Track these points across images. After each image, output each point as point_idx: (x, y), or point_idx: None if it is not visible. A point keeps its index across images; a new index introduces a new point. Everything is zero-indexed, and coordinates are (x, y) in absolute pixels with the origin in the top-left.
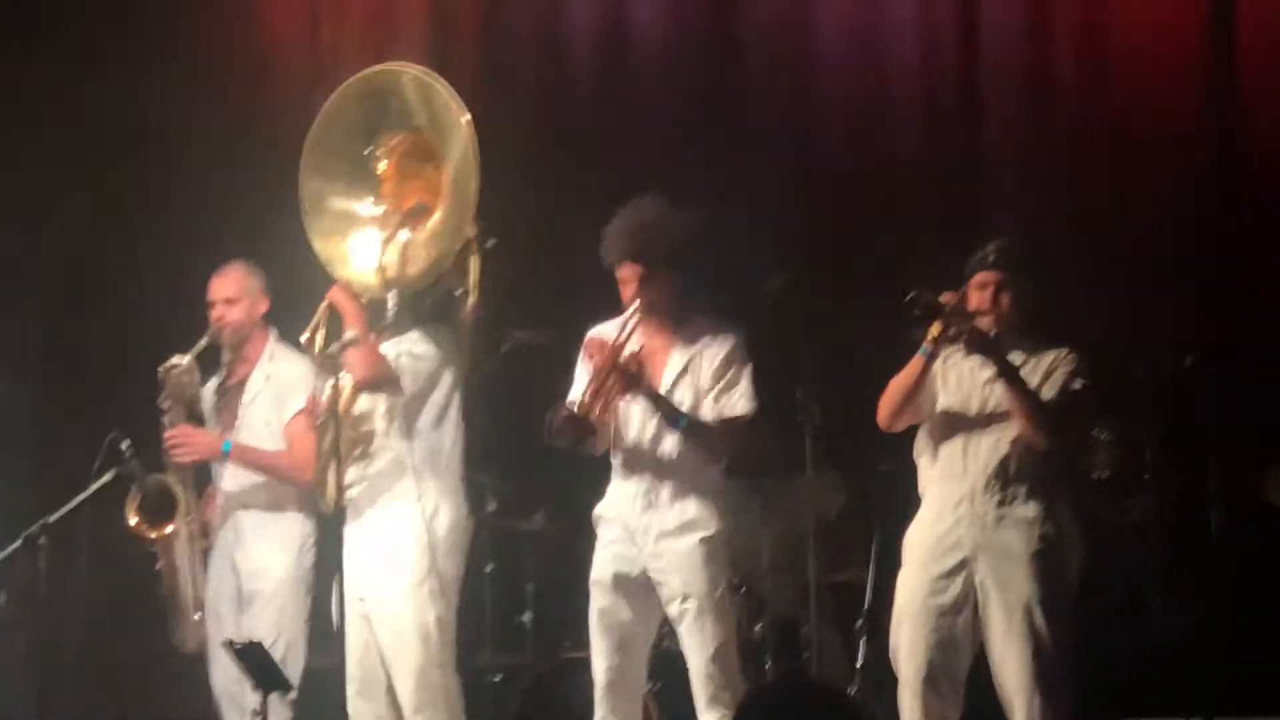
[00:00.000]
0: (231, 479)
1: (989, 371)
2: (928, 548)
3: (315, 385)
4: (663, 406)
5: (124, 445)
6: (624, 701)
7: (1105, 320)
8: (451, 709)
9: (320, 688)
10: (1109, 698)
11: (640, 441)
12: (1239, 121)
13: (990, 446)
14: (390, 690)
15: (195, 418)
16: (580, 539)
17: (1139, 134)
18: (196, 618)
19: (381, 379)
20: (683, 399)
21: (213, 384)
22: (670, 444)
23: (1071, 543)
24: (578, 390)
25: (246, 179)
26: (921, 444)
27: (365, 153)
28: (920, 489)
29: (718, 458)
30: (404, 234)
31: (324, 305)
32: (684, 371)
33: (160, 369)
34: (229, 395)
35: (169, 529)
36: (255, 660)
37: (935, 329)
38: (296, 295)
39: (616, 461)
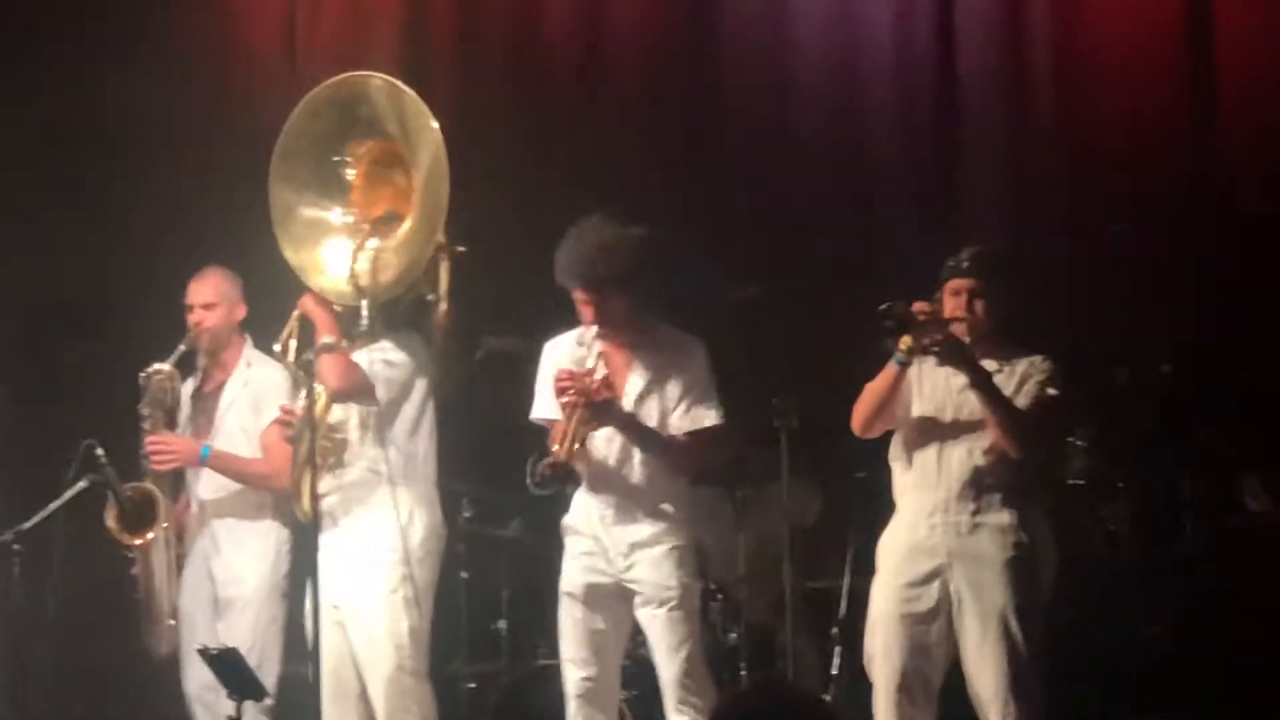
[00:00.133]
0: (208, 486)
1: (964, 379)
2: (902, 555)
3: (288, 395)
4: (636, 430)
5: (99, 452)
6: (599, 711)
7: (1081, 327)
8: (425, 716)
9: (295, 695)
10: (1083, 705)
11: (608, 457)
12: (1218, 126)
13: (964, 454)
14: (364, 697)
15: (173, 425)
16: (555, 547)
17: (1116, 139)
18: (171, 624)
19: (356, 388)
20: (649, 415)
21: (188, 390)
22: (638, 459)
23: (1046, 550)
24: (541, 408)
25: (224, 184)
26: (896, 450)
27: (334, 160)
28: (895, 495)
29: (690, 470)
30: (374, 242)
31: (295, 314)
32: (648, 389)
33: (142, 375)
34: (205, 401)
35: (149, 536)
36: (230, 667)
37: (906, 342)
38: (273, 302)
39: (583, 473)
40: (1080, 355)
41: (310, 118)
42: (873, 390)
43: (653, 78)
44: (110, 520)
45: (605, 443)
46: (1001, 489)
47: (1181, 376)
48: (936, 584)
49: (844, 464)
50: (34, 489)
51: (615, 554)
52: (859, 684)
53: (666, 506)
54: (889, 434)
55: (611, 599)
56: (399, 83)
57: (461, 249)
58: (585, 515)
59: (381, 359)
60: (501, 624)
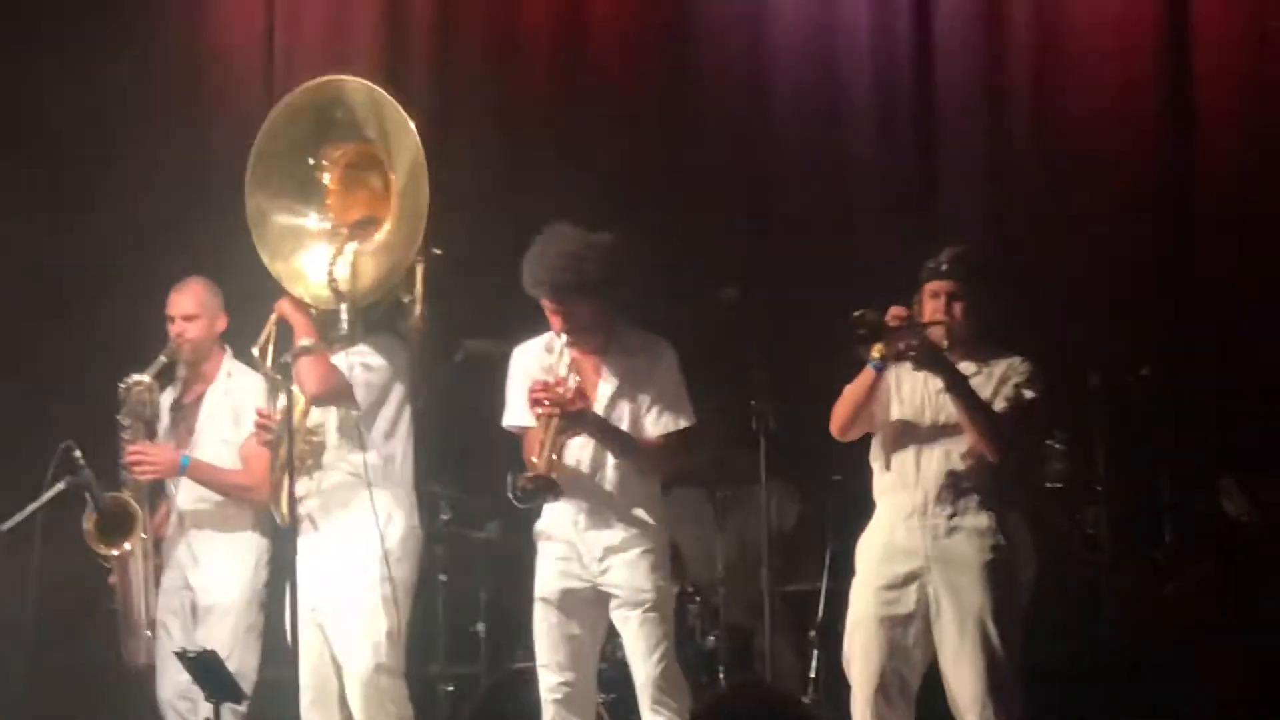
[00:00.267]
0: (187, 497)
1: (942, 382)
2: (880, 557)
3: (266, 400)
4: (612, 437)
5: (77, 455)
6: (576, 715)
7: (1058, 329)
8: (402, 715)
9: (273, 699)
10: (1061, 708)
11: (580, 462)
12: (1194, 132)
13: (941, 457)
14: (343, 701)
15: (152, 435)
16: (534, 550)
17: (1095, 144)
18: (148, 634)
19: (336, 392)
20: (621, 419)
21: (168, 400)
22: (611, 464)
23: (1024, 553)
24: (512, 415)
25: (202, 186)
26: (875, 452)
27: (309, 164)
28: (875, 496)
29: (664, 473)
30: (352, 246)
31: (273, 317)
32: (618, 394)
33: (121, 386)
34: (185, 412)
35: (126, 546)
36: (208, 669)
37: (878, 349)
38: (252, 310)
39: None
40: (1057, 358)
41: (287, 121)
42: (850, 394)
43: (631, 80)
44: (88, 526)
45: (578, 448)
46: (979, 492)
47: (1159, 379)
48: (914, 586)
49: (823, 466)
50: (11, 491)
51: (589, 559)
52: (837, 686)
53: (640, 511)
54: (868, 437)
55: (587, 604)
56: (377, 86)
57: (438, 251)
58: (558, 520)
59: (360, 362)
60: (480, 627)
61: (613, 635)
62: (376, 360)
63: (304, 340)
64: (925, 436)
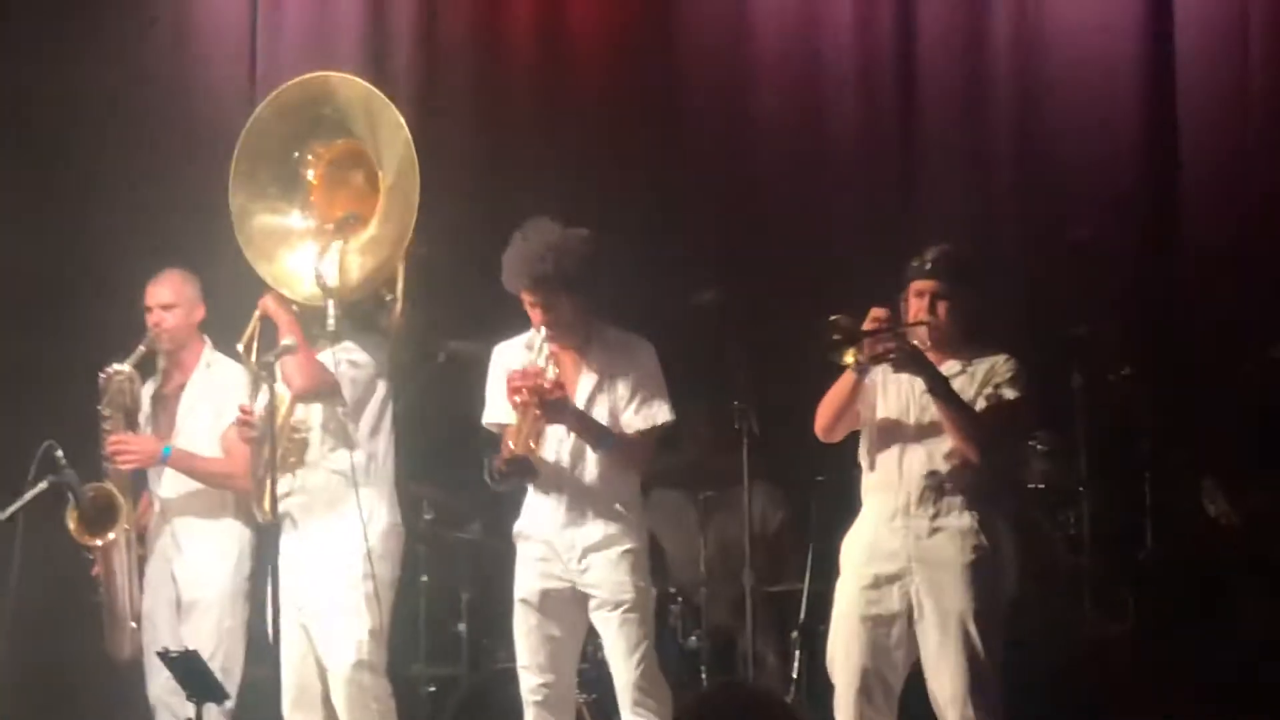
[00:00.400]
0: (169, 486)
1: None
2: (864, 557)
3: (249, 396)
4: (590, 428)
5: (59, 453)
6: (556, 716)
7: (1040, 331)
8: (385, 713)
9: (256, 698)
10: (1042, 709)
11: (560, 459)
12: (1178, 131)
13: (924, 457)
14: (327, 700)
15: (133, 425)
16: (516, 550)
17: (1077, 144)
18: (133, 626)
19: (323, 388)
20: (600, 414)
21: (148, 391)
22: (590, 461)
23: (1006, 554)
24: (492, 412)
25: (183, 182)
26: (862, 451)
27: (294, 160)
28: (862, 496)
29: (643, 468)
30: (338, 243)
31: (257, 314)
32: (597, 389)
33: (101, 375)
34: (166, 402)
35: (110, 536)
36: (190, 669)
37: (851, 354)
38: (232, 303)
39: (539, 467)
40: (1039, 358)
41: (274, 116)
42: (832, 396)
43: (613, 81)
44: (70, 521)
45: (557, 444)
46: (962, 492)
47: (1141, 379)
48: (897, 586)
49: (805, 467)
50: None
51: (568, 557)
52: (819, 687)
53: (619, 509)
54: (852, 437)
55: (567, 604)
56: (367, 84)
57: (421, 249)
58: (537, 520)
59: (347, 359)
60: (461, 627)
61: (594, 636)
62: (362, 357)
63: (286, 339)
64: (910, 436)
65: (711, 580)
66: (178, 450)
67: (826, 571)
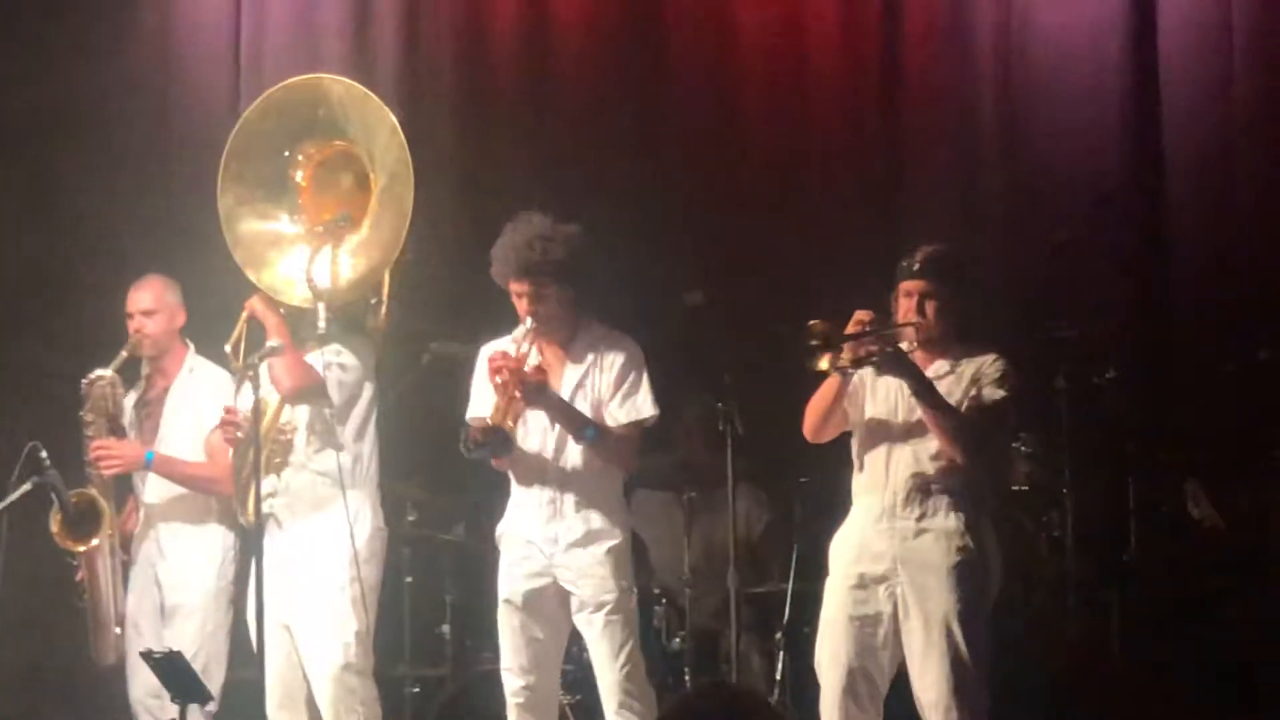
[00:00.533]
0: (153, 491)
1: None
2: (851, 557)
3: (235, 397)
4: (571, 416)
5: (43, 455)
6: (541, 717)
7: (1025, 331)
8: (370, 715)
9: (240, 700)
10: (1025, 712)
11: (542, 452)
12: (1161, 132)
13: (911, 458)
14: (311, 702)
15: (116, 431)
16: (499, 552)
17: (1063, 144)
18: (117, 631)
19: (311, 389)
20: (583, 406)
21: (132, 397)
22: (573, 454)
23: (991, 555)
24: (476, 408)
25: (168, 185)
26: (852, 452)
27: (284, 161)
28: (853, 495)
29: (624, 463)
30: (328, 246)
31: (244, 316)
32: (580, 384)
33: (84, 381)
34: (150, 408)
35: (94, 542)
36: (174, 670)
37: (827, 360)
38: (216, 307)
39: (516, 474)
40: (1023, 360)
41: (264, 117)
42: (818, 398)
43: (600, 82)
44: (54, 525)
45: (540, 435)
46: (948, 494)
47: (1125, 382)
48: (883, 587)
49: (790, 468)
50: None
51: (550, 551)
52: (803, 688)
53: (601, 508)
54: (840, 438)
55: (550, 604)
56: (360, 86)
57: (409, 255)
58: (519, 519)
59: (336, 361)
60: (445, 628)
61: (578, 637)
62: (350, 359)
63: (273, 341)
64: (896, 436)
65: (696, 581)
66: (160, 455)
67: (811, 573)
